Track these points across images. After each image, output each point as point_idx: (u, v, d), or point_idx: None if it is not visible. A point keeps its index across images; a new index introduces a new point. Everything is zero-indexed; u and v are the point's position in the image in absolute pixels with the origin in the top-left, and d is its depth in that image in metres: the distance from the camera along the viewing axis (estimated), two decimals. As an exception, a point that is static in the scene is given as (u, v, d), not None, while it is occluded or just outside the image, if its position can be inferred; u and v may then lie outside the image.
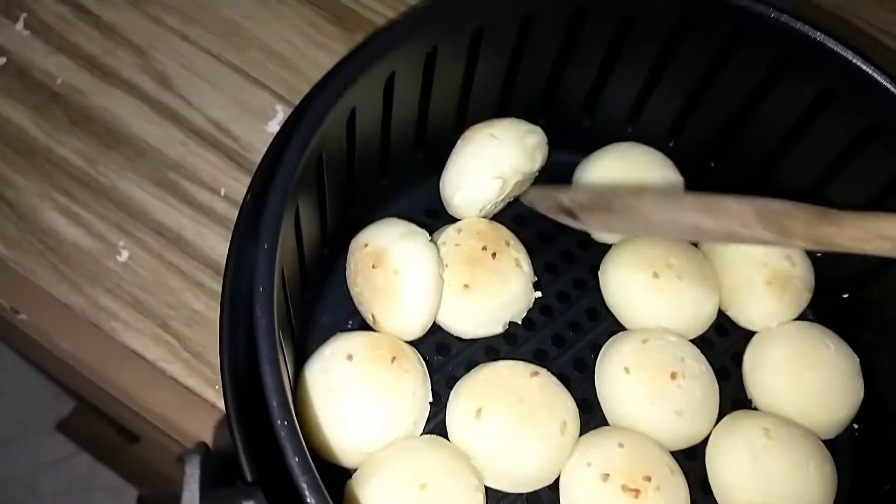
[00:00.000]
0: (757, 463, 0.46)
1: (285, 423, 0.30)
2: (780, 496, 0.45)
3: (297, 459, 0.30)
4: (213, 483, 0.30)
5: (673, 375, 0.47)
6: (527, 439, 0.44)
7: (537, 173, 0.53)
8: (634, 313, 0.51)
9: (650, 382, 0.47)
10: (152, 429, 0.53)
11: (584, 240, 0.55)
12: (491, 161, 0.49)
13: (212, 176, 0.57)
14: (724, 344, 0.53)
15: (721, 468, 0.47)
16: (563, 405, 0.46)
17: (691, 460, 0.48)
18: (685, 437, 0.48)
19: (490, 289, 0.48)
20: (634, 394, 0.47)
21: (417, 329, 0.47)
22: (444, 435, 0.46)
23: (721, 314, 0.53)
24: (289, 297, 0.40)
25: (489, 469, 0.44)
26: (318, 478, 0.30)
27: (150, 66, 0.61)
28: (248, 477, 0.33)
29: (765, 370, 0.50)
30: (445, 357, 0.49)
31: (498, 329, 0.49)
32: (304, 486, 0.29)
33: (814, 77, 0.47)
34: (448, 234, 0.50)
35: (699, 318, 0.51)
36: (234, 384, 0.35)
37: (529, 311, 0.51)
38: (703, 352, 0.51)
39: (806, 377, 0.49)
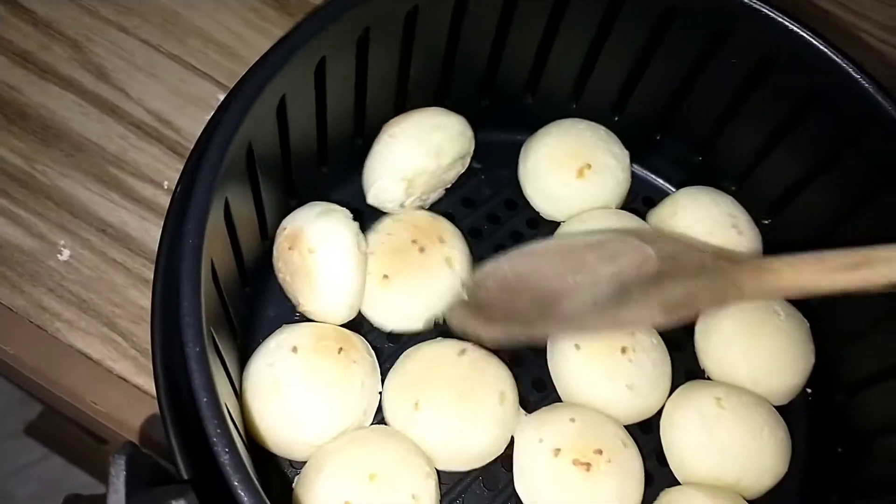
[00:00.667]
0: (710, 432, 0.46)
1: (215, 420, 0.30)
2: (735, 464, 0.45)
3: (228, 458, 0.29)
4: (148, 482, 0.29)
5: (623, 350, 0.47)
6: (468, 419, 0.44)
7: (456, 166, 0.52)
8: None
9: (601, 358, 0.47)
10: (106, 429, 0.52)
11: (534, 218, 0.55)
12: (392, 162, 0.48)
13: (155, 169, 0.56)
14: (676, 316, 0.53)
15: (675, 439, 0.47)
16: (497, 376, 0.46)
17: (646, 433, 0.48)
18: (639, 410, 0.48)
19: (410, 283, 0.47)
20: (586, 370, 0.47)
21: (342, 309, 0.46)
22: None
23: (673, 286, 0.54)
24: (223, 291, 0.39)
25: (439, 455, 0.44)
26: (253, 476, 0.30)
27: (88, 60, 0.60)
28: (184, 475, 0.32)
29: (716, 340, 0.50)
30: (397, 344, 0.49)
31: (418, 325, 0.48)
32: (237, 485, 0.29)
33: (753, 45, 0.47)
34: (385, 222, 0.49)
35: None
36: (168, 380, 0.35)
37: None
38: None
39: (757, 345, 0.49)
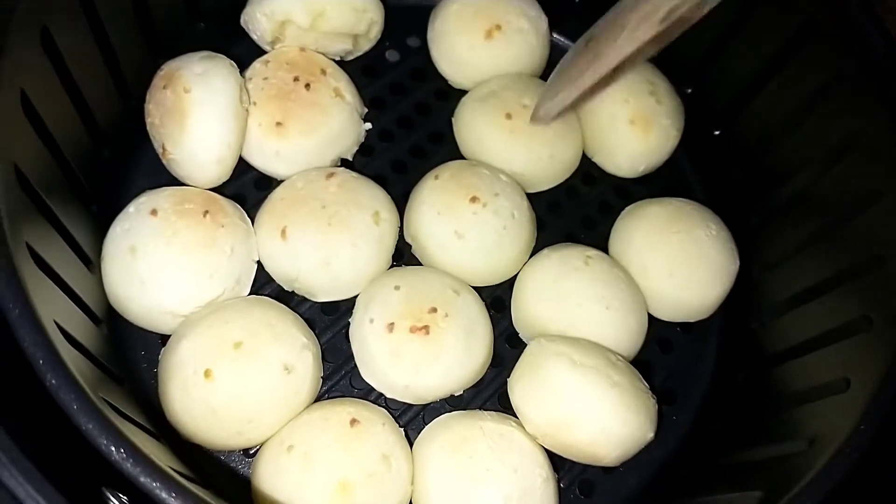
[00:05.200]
0: (561, 278, 0.42)
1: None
2: (571, 319, 0.41)
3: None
4: None
5: (473, 199, 0.42)
6: (341, 243, 0.41)
7: (343, 42, 0.47)
8: (488, 159, 0.46)
9: (446, 194, 0.43)
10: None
11: (442, 89, 0.51)
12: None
13: None
14: (591, 193, 0.50)
15: (525, 280, 0.43)
16: (370, 196, 0.43)
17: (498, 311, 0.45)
18: (462, 266, 0.43)
19: (307, 125, 0.43)
20: (428, 199, 0.43)
21: (210, 161, 0.41)
22: (286, 299, 0.42)
23: (590, 163, 0.50)
24: (59, 142, 0.35)
25: (316, 285, 0.41)
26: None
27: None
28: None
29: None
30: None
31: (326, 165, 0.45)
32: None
33: None
34: (255, 68, 0.45)
35: (557, 161, 0.47)
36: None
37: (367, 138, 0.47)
38: (568, 200, 0.49)
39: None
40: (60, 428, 0.26)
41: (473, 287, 0.43)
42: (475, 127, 0.47)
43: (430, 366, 0.39)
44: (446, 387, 0.40)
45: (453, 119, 0.49)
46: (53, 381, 0.25)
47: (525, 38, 0.49)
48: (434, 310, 0.39)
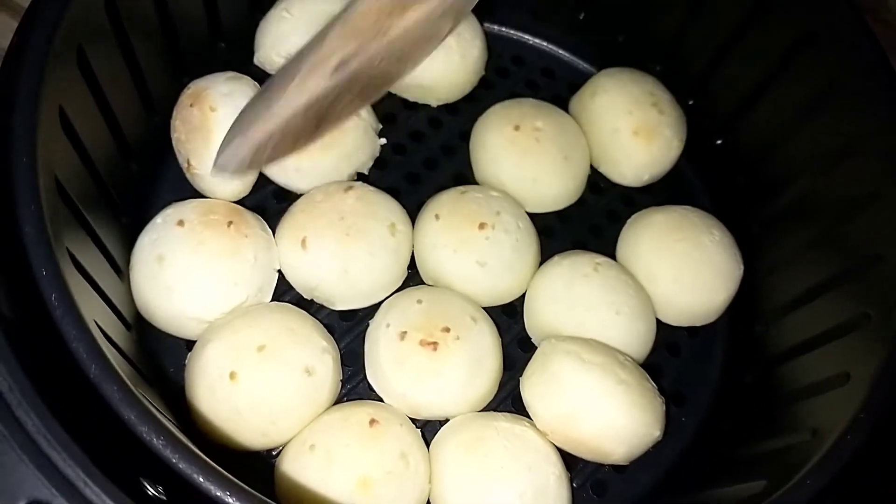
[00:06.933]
0: (571, 284, 0.43)
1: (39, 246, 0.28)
2: (581, 324, 0.43)
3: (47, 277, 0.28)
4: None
5: (481, 226, 0.44)
6: (358, 252, 0.42)
7: None
8: (486, 165, 0.49)
9: (455, 230, 0.44)
10: None
11: (453, 105, 0.53)
12: (277, 39, 0.47)
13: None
14: (598, 202, 0.51)
15: (537, 286, 0.45)
16: (387, 209, 0.44)
17: (510, 317, 0.46)
18: (492, 290, 0.45)
19: (324, 142, 0.44)
20: (440, 241, 0.44)
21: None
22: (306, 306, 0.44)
23: (597, 173, 0.52)
24: (90, 154, 0.37)
25: (335, 293, 0.43)
26: (81, 311, 0.28)
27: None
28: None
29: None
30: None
31: (343, 177, 0.47)
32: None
33: None
34: None
35: (539, 187, 0.48)
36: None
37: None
38: (576, 209, 0.50)
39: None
40: (103, 421, 0.27)
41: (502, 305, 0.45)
42: (485, 136, 0.49)
43: (428, 380, 0.40)
44: (443, 406, 0.41)
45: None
46: (97, 373, 0.26)
47: (449, 56, 0.50)
48: (447, 329, 0.41)
